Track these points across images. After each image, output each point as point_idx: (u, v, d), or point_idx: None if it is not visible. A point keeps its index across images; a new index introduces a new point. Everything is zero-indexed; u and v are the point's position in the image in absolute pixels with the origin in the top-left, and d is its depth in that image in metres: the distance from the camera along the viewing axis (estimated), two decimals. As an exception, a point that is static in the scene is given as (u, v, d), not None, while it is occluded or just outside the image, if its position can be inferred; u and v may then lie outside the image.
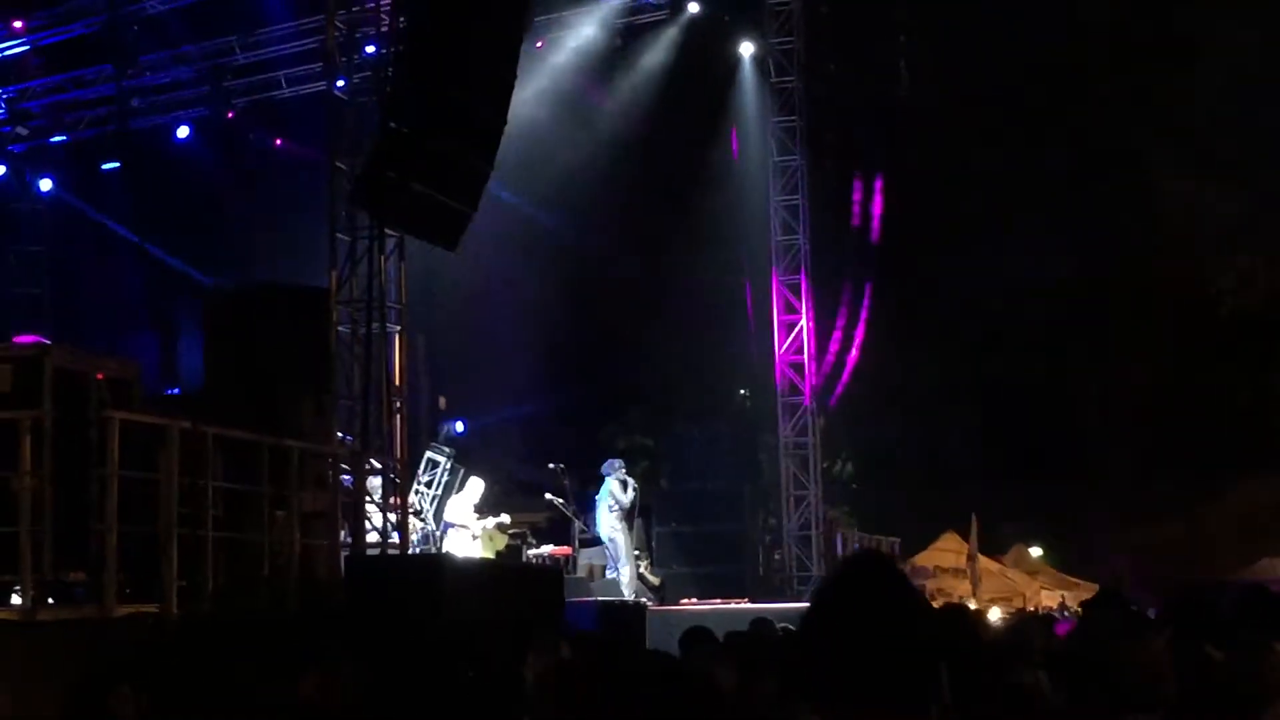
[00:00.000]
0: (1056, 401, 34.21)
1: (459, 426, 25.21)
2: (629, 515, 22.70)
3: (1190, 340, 33.29)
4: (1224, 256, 33.86)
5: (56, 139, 29.36)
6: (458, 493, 22.40)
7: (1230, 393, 32.64)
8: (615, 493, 22.47)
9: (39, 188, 30.84)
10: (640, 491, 23.21)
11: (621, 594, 21.41)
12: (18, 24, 26.45)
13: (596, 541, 23.73)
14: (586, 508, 24.16)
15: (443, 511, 22.50)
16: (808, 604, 3.35)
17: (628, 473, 22.87)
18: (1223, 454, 32.16)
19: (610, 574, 22.33)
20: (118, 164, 29.06)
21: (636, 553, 23.01)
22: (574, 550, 23.41)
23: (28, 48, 27.07)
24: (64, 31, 26.52)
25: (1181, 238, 32.61)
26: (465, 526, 21.60)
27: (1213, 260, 33.90)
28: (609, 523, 22.40)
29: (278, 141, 29.18)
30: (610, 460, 23.25)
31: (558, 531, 23.88)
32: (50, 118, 29.10)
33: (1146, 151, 32.74)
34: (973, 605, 25.89)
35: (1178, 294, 33.68)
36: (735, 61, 28.25)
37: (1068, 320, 33.83)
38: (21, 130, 29.15)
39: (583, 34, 26.97)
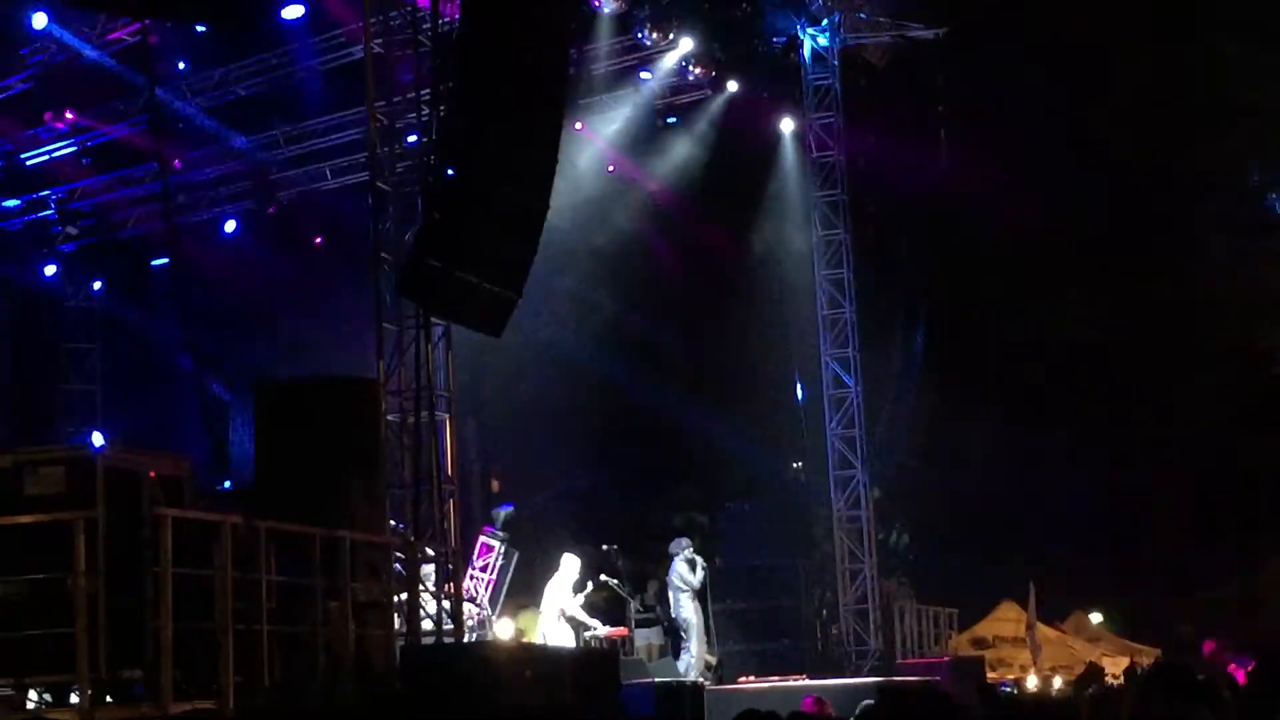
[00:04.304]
0: (1110, 464, 33.90)
1: (511, 511, 25.15)
2: (700, 594, 22.67)
3: (1243, 400, 33.00)
4: (1274, 316, 33.58)
5: (105, 237, 29.63)
6: (556, 574, 22.18)
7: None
8: (684, 573, 22.46)
9: (89, 286, 31.14)
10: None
11: (679, 674, 21.30)
12: (69, 115, 26.71)
13: (653, 622, 23.65)
14: (641, 588, 24.11)
15: (499, 598, 22.48)
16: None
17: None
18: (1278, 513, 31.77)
19: (685, 654, 22.29)
20: (166, 259, 29.29)
21: (696, 632, 22.91)
22: (630, 631, 23.32)
23: (75, 148, 27.39)
24: (110, 132, 26.85)
25: (1230, 297, 32.41)
26: (564, 609, 21.62)
27: (1263, 320, 33.62)
28: (686, 604, 22.40)
29: (317, 240, 29.48)
30: (678, 539, 23.21)
31: (612, 612, 23.78)
32: (99, 216, 29.41)
33: (1193, 211, 32.64)
34: (1033, 676, 25.69)
35: (1228, 354, 33.42)
36: (776, 138, 28.39)
37: (1119, 383, 33.59)
38: (71, 230, 29.44)
39: (624, 115, 27.19)
